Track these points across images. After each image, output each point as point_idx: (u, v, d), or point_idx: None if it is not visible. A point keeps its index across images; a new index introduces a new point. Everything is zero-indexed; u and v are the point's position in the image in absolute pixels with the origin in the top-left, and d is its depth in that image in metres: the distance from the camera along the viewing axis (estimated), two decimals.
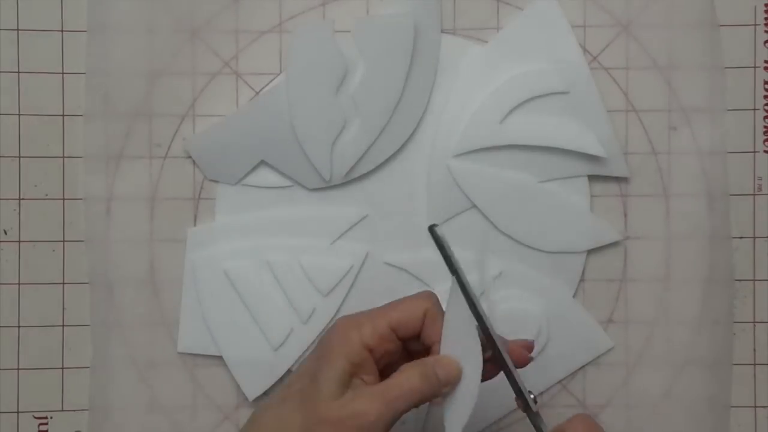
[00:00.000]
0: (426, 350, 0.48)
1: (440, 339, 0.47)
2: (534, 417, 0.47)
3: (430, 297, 0.48)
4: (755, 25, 0.61)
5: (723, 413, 0.61)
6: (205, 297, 0.60)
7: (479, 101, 0.60)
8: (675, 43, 0.60)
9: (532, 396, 0.47)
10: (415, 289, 0.57)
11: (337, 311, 0.60)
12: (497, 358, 0.47)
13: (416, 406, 0.46)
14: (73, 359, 0.60)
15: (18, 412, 0.60)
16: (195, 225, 0.61)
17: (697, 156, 0.61)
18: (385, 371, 0.48)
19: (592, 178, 0.60)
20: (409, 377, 0.46)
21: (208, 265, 0.60)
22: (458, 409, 0.47)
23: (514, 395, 0.48)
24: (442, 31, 0.60)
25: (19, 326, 0.60)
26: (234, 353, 0.60)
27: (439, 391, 0.47)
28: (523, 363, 0.49)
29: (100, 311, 0.60)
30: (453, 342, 0.47)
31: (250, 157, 0.60)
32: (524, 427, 0.61)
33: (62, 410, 0.61)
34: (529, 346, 0.49)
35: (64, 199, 0.60)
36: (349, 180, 0.60)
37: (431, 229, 0.47)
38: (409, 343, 0.49)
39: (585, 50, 0.60)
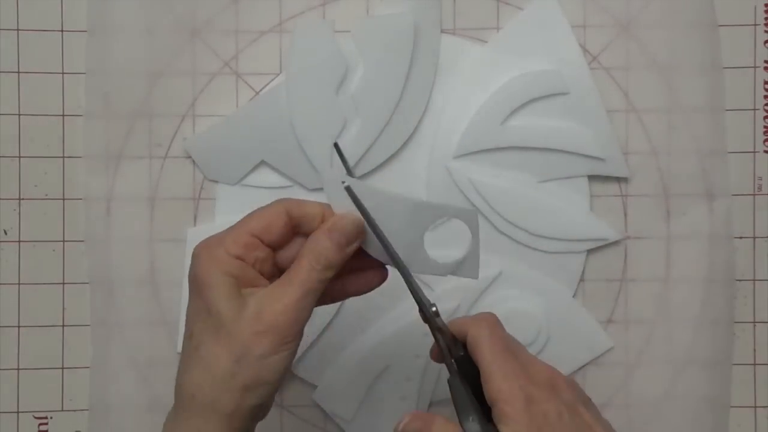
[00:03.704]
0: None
1: (318, 218, 0.45)
2: (434, 330, 0.45)
3: (284, 200, 0.46)
4: (755, 25, 0.61)
5: (723, 413, 0.61)
6: None
7: (479, 102, 0.60)
8: (675, 43, 0.60)
9: (434, 309, 0.45)
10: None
11: (337, 311, 0.60)
12: (400, 270, 0.46)
13: (328, 278, 0.44)
14: (73, 359, 0.60)
15: (18, 412, 0.60)
16: (195, 225, 0.61)
17: (697, 156, 0.61)
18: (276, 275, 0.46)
19: (592, 178, 0.60)
20: (303, 263, 0.44)
21: None
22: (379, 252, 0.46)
23: (418, 309, 0.46)
24: (442, 31, 0.60)
25: (19, 326, 0.60)
26: None
27: (344, 252, 0.44)
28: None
29: (100, 311, 0.60)
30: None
31: (250, 157, 0.60)
32: None
33: (62, 410, 0.61)
34: None
35: (64, 199, 0.60)
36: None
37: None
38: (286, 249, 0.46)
39: (585, 50, 0.60)
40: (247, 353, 0.43)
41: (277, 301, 0.43)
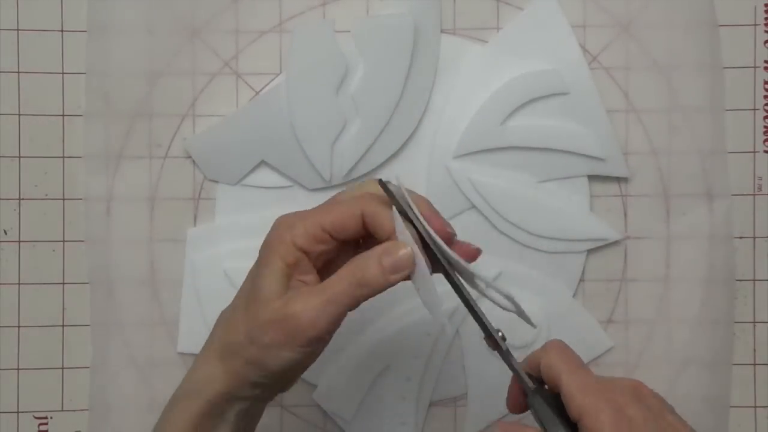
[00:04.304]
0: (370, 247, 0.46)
1: (388, 233, 0.45)
2: (504, 354, 0.46)
3: (370, 198, 0.46)
4: (755, 25, 0.61)
5: (723, 413, 0.61)
6: (205, 297, 0.60)
7: (479, 103, 0.60)
8: (675, 43, 0.60)
9: (500, 334, 0.46)
10: (414, 288, 0.57)
11: None
12: (462, 298, 0.46)
13: (361, 300, 0.45)
14: (73, 359, 0.60)
15: (18, 412, 0.60)
16: (195, 225, 0.61)
17: (697, 156, 0.61)
18: (326, 270, 0.46)
19: (592, 178, 0.60)
20: (344, 275, 0.44)
21: (208, 266, 0.60)
22: (426, 294, 0.45)
23: (483, 335, 0.47)
24: (442, 31, 0.60)
25: (19, 326, 0.60)
26: None
27: (386, 279, 0.44)
28: (472, 256, 0.47)
29: (100, 311, 0.60)
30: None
31: (250, 157, 0.60)
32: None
33: (62, 410, 0.61)
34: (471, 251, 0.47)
35: (64, 199, 0.60)
36: (349, 180, 0.60)
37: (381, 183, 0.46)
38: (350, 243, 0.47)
39: (585, 50, 0.60)
40: (258, 337, 0.44)
41: (304, 300, 0.44)
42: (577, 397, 0.43)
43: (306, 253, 0.46)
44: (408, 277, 0.45)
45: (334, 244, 0.46)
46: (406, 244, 0.44)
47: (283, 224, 0.46)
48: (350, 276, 0.44)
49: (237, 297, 0.47)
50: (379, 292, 0.45)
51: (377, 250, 0.44)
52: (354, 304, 0.45)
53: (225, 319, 0.47)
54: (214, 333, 0.47)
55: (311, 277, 0.46)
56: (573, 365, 0.44)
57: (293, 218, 0.46)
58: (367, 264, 0.44)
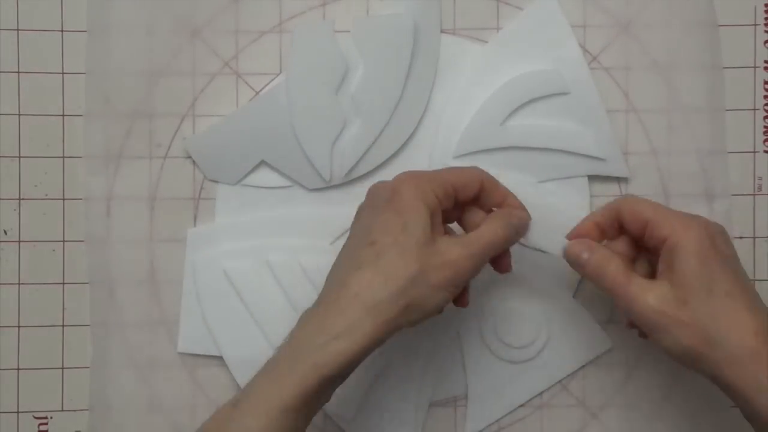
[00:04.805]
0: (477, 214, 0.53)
1: (503, 196, 0.53)
2: None
3: (482, 171, 0.53)
4: (755, 25, 0.61)
5: (723, 413, 0.61)
6: (205, 297, 0.60)
7: (479, 103, 0.60)
8: (675, 43, 0.60)
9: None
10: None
11: None
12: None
13: (502, 248, 0.52)
14: (73, 359, 0.60)
15: (18, 412, 0.60)
16: (195, 225, 0.61)
17: (697, 156, 0.61)
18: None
19: (592, 178, 0.60)
20: (494, 228, 0.51)
21: (208, 266, 0.60)
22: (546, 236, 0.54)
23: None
24: (442, 31, 0.60)
25: (19, 326, 0.60)
26: (234, 353, 0.60)
27: (516, 237, 0.53)
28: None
29: (100, 311, 0.60)
30: None
31: (250, 157, 0.60)
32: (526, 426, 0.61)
33: (62, 410, 0.61)
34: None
35: (64, 199, 0.60)
36: (350, 180, 0.60)
37: None
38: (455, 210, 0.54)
39: (585, 50, 0.60)
40: (423, 278, 0.48)
41: (464, 247, 0.50)
42: (671, 217, 0.50)
43: (441, 204, 0.50)
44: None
45: (453, 205, 0.52)
46: (526, 213, 0.53)
47: (414, 177, 0.51)
48: (494, 232, 0.51)
49: (372, 252, 0.49)
50: (511, 245, 0.53)
51: (509, 210, 0.53)
52: (492, 257, 0.52)
53: (371, 271, 0.48)
54: (339, 298, 0.48)
55: (442, 229, 0.51)
56: (658, 204, 0.52)
57: (420, 173, 0.51)
58: (505, 222, 0.52)
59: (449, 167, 0.53)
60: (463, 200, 0.52)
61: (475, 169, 0.53)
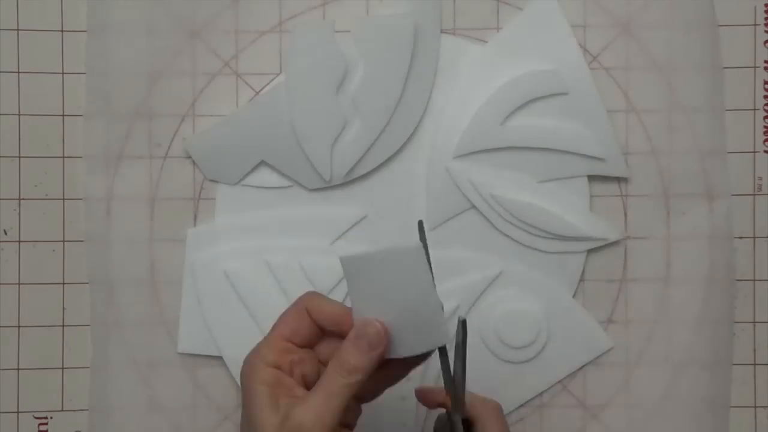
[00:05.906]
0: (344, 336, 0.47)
1: (334, 319, 0.47)
2: (456, 417, 0.49)
3: (310, 294, 0.48)
4: (755, 25, 0.61)
5: (723, 413, 0.61)
6: (205, 297, 0.60)
7: (479, 103, 0.60)
8: (675, 43, 0.60)
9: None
10: None
11: None
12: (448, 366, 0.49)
13: (360, 385, 0.45)
14: (73, 359, 0.60)
15: (18, 412, 0.60)
16: (195, 225, 0.61)
17: (697, 156, 0.61)
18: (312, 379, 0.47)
19: (592, 178, 0.60)
20: (332, 369, 0.45)
21: (208, 266, 0.60)
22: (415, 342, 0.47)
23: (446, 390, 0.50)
24: (442, 31, 0.60)
25: (19, 326, 0.60)
26: (234, 353, 0.60)
27: (370, 359, 0.46)
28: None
29: (100, 311, 0.60)
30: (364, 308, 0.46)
31: (250, 157, 0.60)
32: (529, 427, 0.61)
33: (62, 410, 0.61)
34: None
35: (64, 199, 0.60)
36: (349, 180, 0.60)
37: (420, 224, 0.48)
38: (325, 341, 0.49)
39: (585, 50, 0.60)
40: None
41: (304, 406, 0.44)
42: None
43: (280, 368, 0.47)
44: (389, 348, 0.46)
45: (303, 352, 0.47)
46: (374, 320, 0.46)
47: (249, 355, 0.47)
48: (338, 367, 0.45)
49: None
50: (373, 370, 0.46)
51: (350, 334, 0.46)
52: (353, 391, 0.45)
53: None
54: None
55: (299, 389, 0.47)
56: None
57: (256, 346, 0.48)
58: (347, 351, 0.45)
59: (281, 315, 0.48)
60: (308, 341, 0.48)
61: (299, 302, 0.48)
